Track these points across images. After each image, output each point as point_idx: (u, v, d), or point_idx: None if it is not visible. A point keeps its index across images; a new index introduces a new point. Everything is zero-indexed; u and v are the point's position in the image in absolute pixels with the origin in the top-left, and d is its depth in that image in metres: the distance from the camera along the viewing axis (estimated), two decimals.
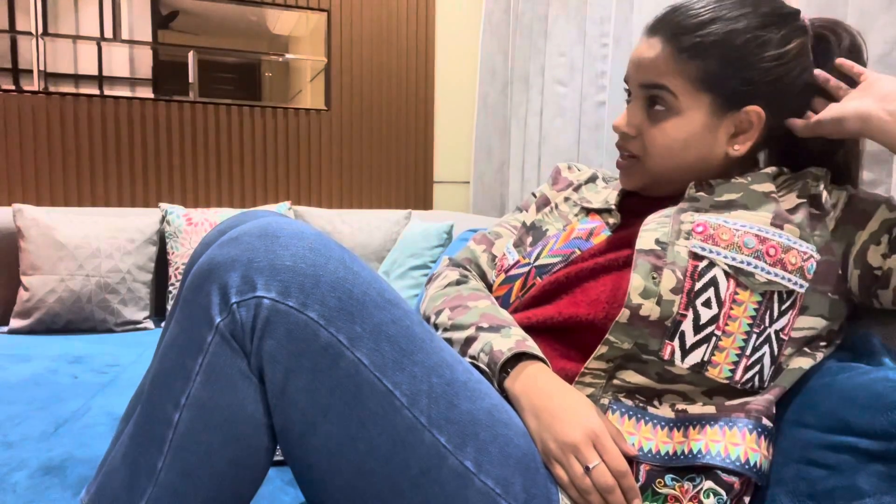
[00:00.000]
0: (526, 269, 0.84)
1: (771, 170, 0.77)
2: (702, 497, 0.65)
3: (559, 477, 0.65)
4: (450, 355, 0.66)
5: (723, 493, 0.65)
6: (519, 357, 0.72)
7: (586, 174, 0.95)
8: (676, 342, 0.68)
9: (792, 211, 0.73)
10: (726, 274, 0.69)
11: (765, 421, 0.68)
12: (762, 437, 0.68)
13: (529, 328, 0.79)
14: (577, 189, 0.93)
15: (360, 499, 0.62)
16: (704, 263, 0.69)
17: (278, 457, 0.69)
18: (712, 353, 0.68)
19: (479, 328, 0.76)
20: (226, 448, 0.61)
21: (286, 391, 0.59)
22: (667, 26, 0.75)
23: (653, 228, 0.74)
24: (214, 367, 0.59)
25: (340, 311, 0.59)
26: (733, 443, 0.67)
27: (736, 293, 0.68)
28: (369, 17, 2.66)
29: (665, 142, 0.76)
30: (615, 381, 0.71)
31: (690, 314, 0.68)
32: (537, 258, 0.84)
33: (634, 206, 0.84)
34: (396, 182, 2.76)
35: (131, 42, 2.37)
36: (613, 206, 0.84)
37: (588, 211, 0.87)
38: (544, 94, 2.23)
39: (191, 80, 2.45)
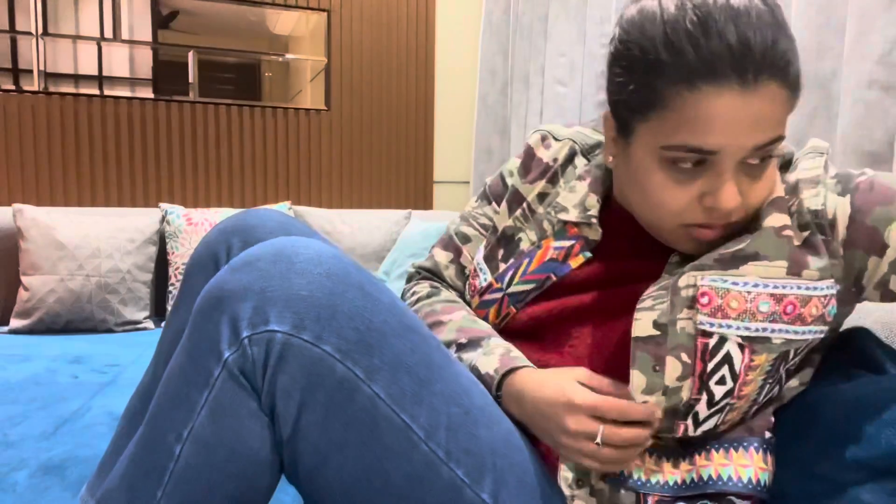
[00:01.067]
0: (499, 294, 0.78)
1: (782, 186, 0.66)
2: None
3: (590, 466, 0.62)
4: (467, 379, 0.64)
5: None
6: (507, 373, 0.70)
7: (564, 150, 0.81)
8: (689, 421, 0.63)
9: (805, 246, 0.62)
10: (740, 346, 0.61)
11: (768, 436, 0.67)
12: (768, 454, 0.66)
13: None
14: (552, 180, 0.80)
15: None
16: (715, 340, 0.61)
17: None
18: (725, 416, 0.65)
19: (459, 346, 0.74)
20: (227, 484, 0.59)
21: (299, 426, 0.57)
22: (773, 65, 0.56)
23: (649, 306, 0.64)
24: (220, 403, 0.57)
25: (358, 343, 0.57)
26: (742, 465, 0.65)
27: (751, 360, 0.61)
28: (369, 17, 2.66)
29: (769, 189, 0.64)
30: None
31: (704, 396, 0.62)
32: (510, 284, 0.77)
33: (616, 220, 0.74)
34: (396, 182, 2.76)
35: (131, 42, 2.37)
36: (594, 221, 0.73)
37: (565, 223, 0.76)
38: (544, 94, 2.23)
39: (191, 80, 2.45)
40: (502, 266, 0.79)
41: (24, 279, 1.98)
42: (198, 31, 2.46)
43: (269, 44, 2.57)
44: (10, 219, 2.10)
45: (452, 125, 2.83)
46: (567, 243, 0.75)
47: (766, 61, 0.56)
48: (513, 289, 0.76)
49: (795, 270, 0.61)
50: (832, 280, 0.62)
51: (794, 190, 0.64)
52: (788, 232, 0.62)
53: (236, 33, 2.51)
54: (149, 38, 2.39)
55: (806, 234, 0.62)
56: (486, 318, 0.79)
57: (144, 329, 2.09)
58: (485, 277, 0.80)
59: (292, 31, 2.61)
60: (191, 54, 2.45)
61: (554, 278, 0.74)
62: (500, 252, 0.80)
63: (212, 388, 0.57)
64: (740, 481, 0.64)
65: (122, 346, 1.84)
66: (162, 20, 2.41)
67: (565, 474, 0.66)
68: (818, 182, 0.63)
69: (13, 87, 2.23)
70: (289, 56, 2.60)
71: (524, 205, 0.81)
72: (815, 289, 0.61)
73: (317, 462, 0.58)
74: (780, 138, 0.59)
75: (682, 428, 0.64)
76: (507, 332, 0.77)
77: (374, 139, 2.71)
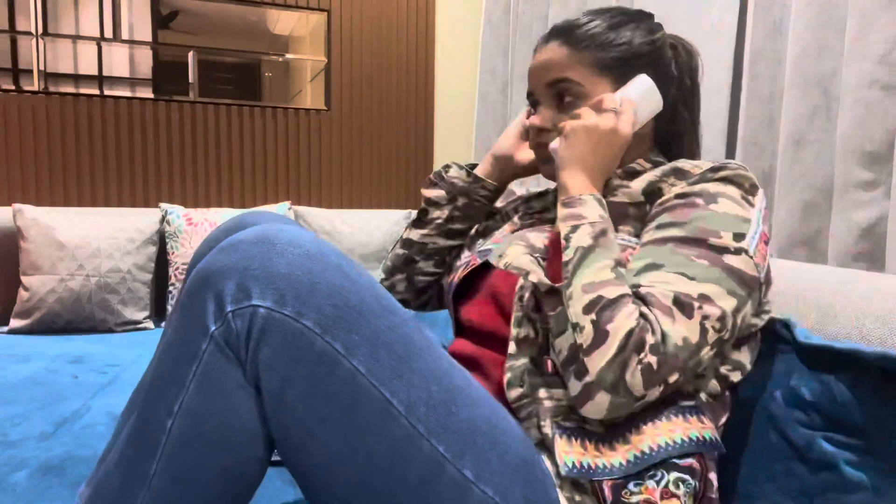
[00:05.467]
0: (469, 257, 0.91)
1: (647, 165, 0.84)
2: (672, 489, 0.66)
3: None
4: (448, 362, 0.66)
5: (688, 477, 0.66)
6: None
7: (540, 190, 1.00)
8: (553, 354, 0.71)
9: (631, 207, 0.78)
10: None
11: (684, 403, 0.70)
12: (699, 415, 0.70)
13: (466, 329, 0.86)
14: (527, 200, 0.97)
15: None
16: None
17: (277, 457, 0.69)
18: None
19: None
20: (218, 457, 0.60)
21: (283, 400, 0.59)
22: (558, 31, 0.84)
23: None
24: (208, 375, 0.59)
25: (337, 319, 0.59)
26: (670, 430, 0.68)
27: None
28: (369, 17, 2.66)
29: None
30: (544, 404, 0.70)
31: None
32: (479, 247, 0.91)
33: None
34: (396, 182, 2.76)
35: (131, 42, 2.37)
36: (552, 205, 0.89)
37: (531, 214, 0.92)
38: None
39: (191, 80, 2.45)
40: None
41: (24, 279, 1.98)
42: (198, 31, 2.46)
43: (269, 44, 2.57)
44: (10, 219, 2.10)
45: (452, 125, 2.83)
46: (530, 222, 0.90)
47: (555, 30, 0.84)
48: (481, 248, 0.90)
49: (614, 226, 0.77)
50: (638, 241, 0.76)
51: (672, 170, 0.78)
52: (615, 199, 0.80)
53: (236, 33, 2.51)
54: (149, 38, 2.39)
55: (640, 199, 0.78)
56: (454, 281, 0.90)
57: (144, 329, 2.09)
58: (464, 255, 0.96)
59: (292, 31, 2.61)
60: (191, 54, 2.45)
61: (521, 232, 0.85)
62: (479, 240, 0.97)
63: (200, 361, 0.59)
64: (675, 444, 0.67)
65: (122, 346, 1.84)
66: (162, 20, 2.41)
67: (551, 468, 0.67)
68: (685, 178, 0.76)
69: (13, 87, 2.23)
70: (289, 56, 2.60)
71: (500, 213, 0.99)
72: (629, 241, 0.76)
73: (302, 437, 0.60)
74: (565, 80, 0.82)
75: (549, 363, 0.71)
76: (463, 277, 0.89)
77: (374, 139, 2.71)
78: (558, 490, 0.66)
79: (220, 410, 0.60)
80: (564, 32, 0.84)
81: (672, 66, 0.87)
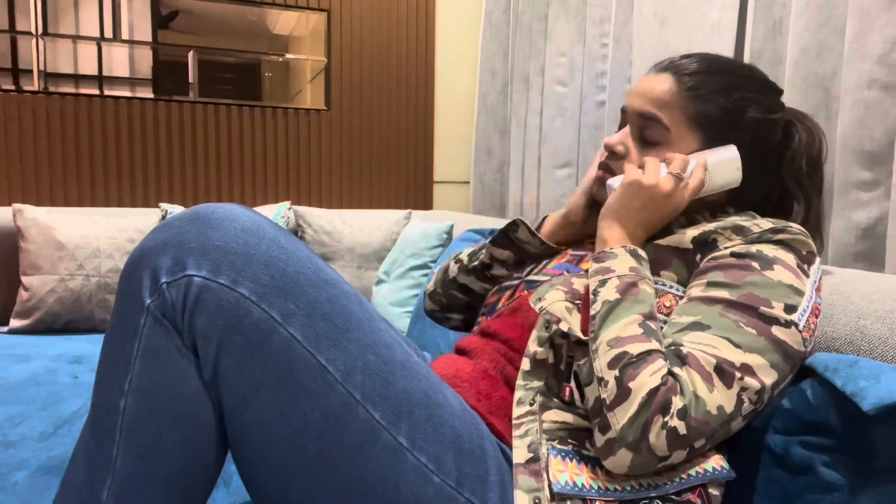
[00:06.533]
0: (517, 282, 0.89)
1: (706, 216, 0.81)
2: None
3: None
4: (389, 336, 0.66)
5: None
6: None
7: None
8: (573, 383, 0.70)
9: (676, 252, 0.76)
10: None
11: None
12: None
13: (487, 334, 0.84)
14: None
15: (293, 474, 0.62)
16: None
17: None
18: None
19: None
20: (175, 427, 0.61)
21: (218, 368, 0.60)
22: (677, 67, 0.81)
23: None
24: (151, 349, 0.60)
25: (273, 288, 0.60)
26: (673, 467, 0.66)
27: None
28: (369, 17, 2.66)
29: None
30: (545, 425, 0.69)
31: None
32: (528, 274, 0.89)
33: None
34: (396, 182, 2.76)
35: (131, 42, 2.37)
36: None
37: (583, 243, 0.91)
38: (544, 94, 2.23)
39: (191, 80, 2.45)
40: (526, 268, 0.92)
41: (24, 279, 1.98)
42: (198, 31, 2.46)
43: (269, 44, 2.57)
44: (10, 219, 2.10)
45: (452, 125, 2.83)
46: (583, 252, 0.88)
47: (675, 64, 0.81)
48: (530, 277, 0.88)
49: (655, 270, 0.75)
50: (683, 289, 0.74)
51: (732, 225, 0.75)
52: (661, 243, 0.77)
53: (236, 33, 2.51)
54: (149, 38, 2.39)
55: (688, 246, 0.75)
56: (497, 301, 0.90)
57: None
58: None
59: (292, 31, 2.61)
60: (191, 54, 2.45)
61: (566, 275, 0.82)
62: (531, 263, 0.95)
63: (140, 336, 0.60)
64: (678, 479, 0.65)
65: None
66: (162, 20, 2.41)
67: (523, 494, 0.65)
68: (743, 234, 0.74)
69: (13, 87, 2.23)
70: (289, 56, 2.60)
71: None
72: (671, 287, 0.74)
73: (237, 404, 0.61)
74: (656, 118, 0.79)
75: (567, 390, 0.70)
76: (509, 306, 0.87)
77: (374, 139, 2.71)
78: (516, 472, 0.65)
79: (168, 381, 0.60)
80: (680, 71, 0.80)
81: (777, 147, 0.83)
